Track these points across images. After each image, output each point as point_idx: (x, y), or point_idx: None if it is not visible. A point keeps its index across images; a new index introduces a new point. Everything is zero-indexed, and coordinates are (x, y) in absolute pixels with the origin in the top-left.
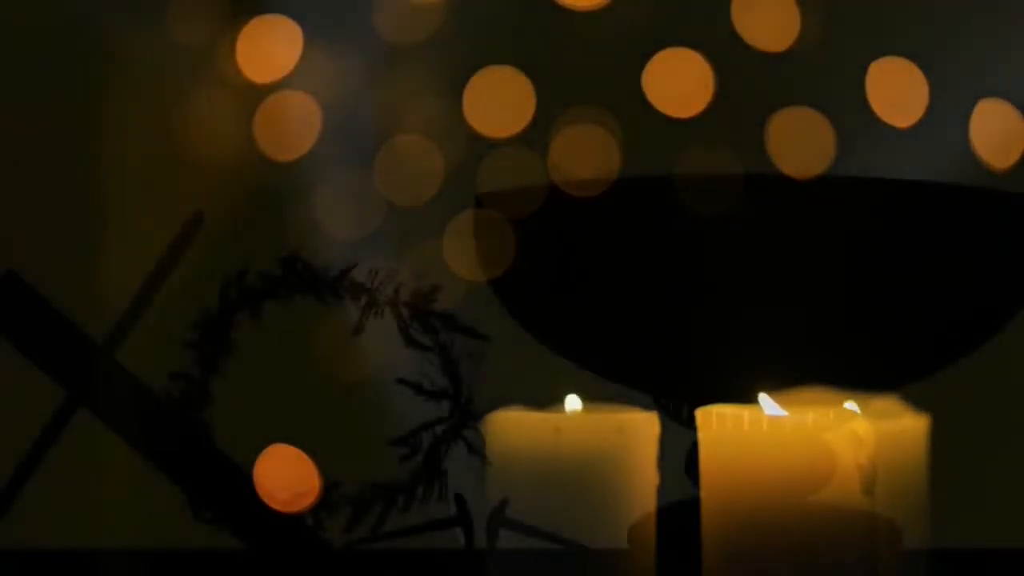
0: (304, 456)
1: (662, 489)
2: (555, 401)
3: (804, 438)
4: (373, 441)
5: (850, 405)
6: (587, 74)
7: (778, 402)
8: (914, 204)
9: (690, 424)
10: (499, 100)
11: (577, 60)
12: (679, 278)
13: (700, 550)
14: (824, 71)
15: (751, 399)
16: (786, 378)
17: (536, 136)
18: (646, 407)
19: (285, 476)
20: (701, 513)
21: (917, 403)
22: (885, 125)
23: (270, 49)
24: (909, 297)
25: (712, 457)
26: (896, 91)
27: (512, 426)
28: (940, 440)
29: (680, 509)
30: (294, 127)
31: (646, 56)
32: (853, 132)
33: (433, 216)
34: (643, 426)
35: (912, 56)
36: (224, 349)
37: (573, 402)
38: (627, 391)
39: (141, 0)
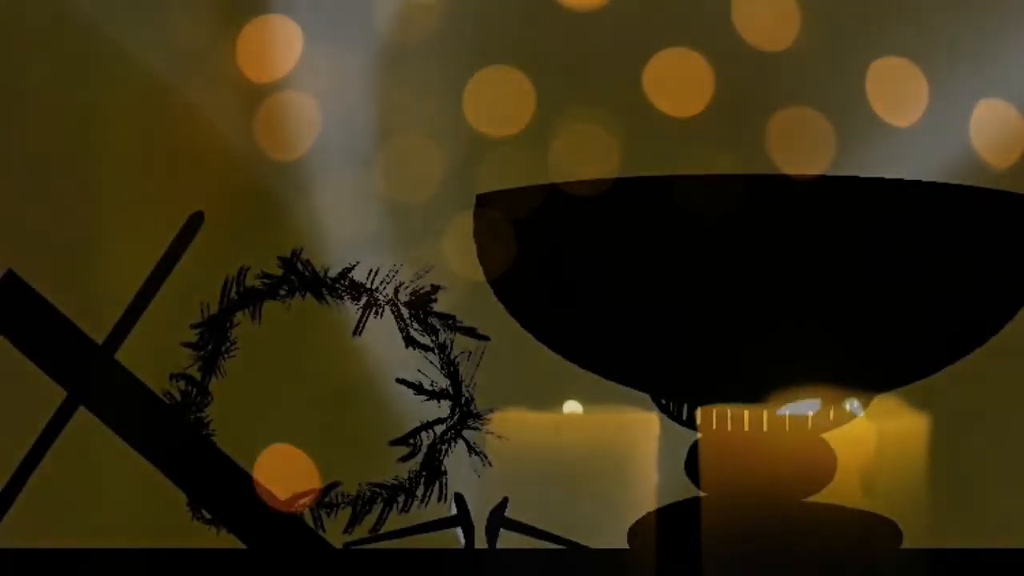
0: (304, 456)
1: (662, 489)
2: (555, 401)
3: (804, 438)
4: (373, 441)
5: (850, 405)
6: (587, 74)
7: (780, 402)
8: (914, 204)
9: (690, 424)
10: (499, 100)
11: (577, 60)
12: (679, 278)
13: (700, 550)
14: (824, 71)
15: (752, 399)
16: (786, 378)
17: (536, 136)
18: (646, 407)
19: (285, 476)
20: (701, 513)
21: (917, 403)
22: (885, 125)
23: (270, 49)
24: (909, 297)
25: (712, 457)
26: (896, 91)
27: (512, 426)
28: (940, 440)
29: (680, 509)
30: (294, 127)
31: (646, 56)
32: (853, 132)
33: (433, 216)
34: (643, 426)
35: (912, 56)
36: (224, 349)
37: (572, 407)
38: (627, 391)
39: (141, 0)
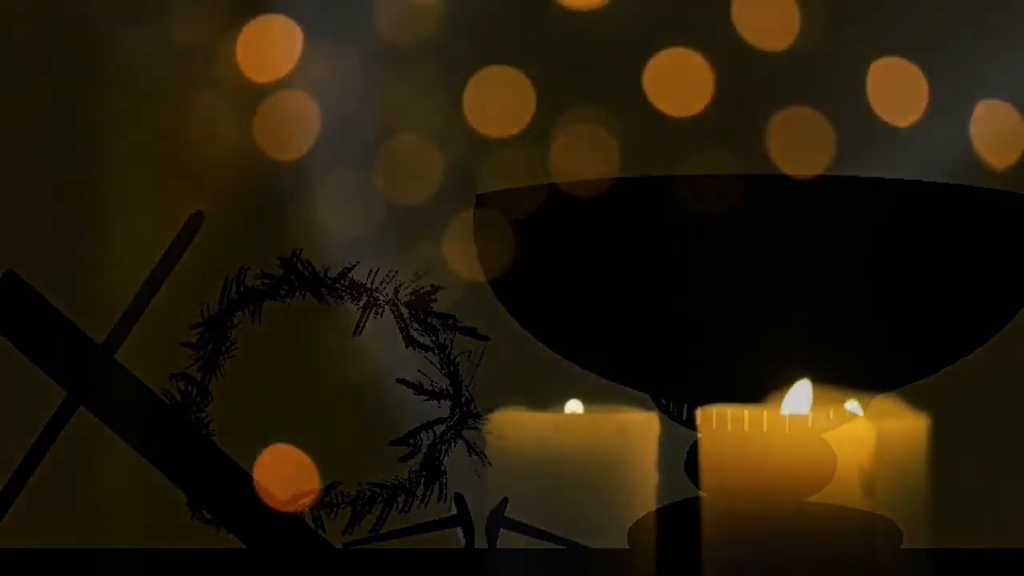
0: (304, 456)
1: (662, 489)
2: (555, 401)
3: (804, 438)
4: (373, 441)
5: (850, 405)
6: (587, 74)
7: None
8: (914, 204)
9: (690, 424)
10: (499, 100)
11: (577, 60)
12: (679, 278)
13: (700, 550)
14: (824, 71)
15: (752, 399)
16: (786, 378)
17: (536, 136)
18: (646, 407)
19: (285, 476)
20: (701, 513)
21: (917, 403)
22: (885, 125)
23: (270, 49)
24: (909, 297)
25: (712, 457)
26: (896, 91)
27: (512, 426)
28: (940, 440)
29: (680, 509)
30: (294, 127)
31: (646, 56)
32: (853, 132)
33: (433, 216)
34: (643, 426)
35: (912, 56)
36: (224, 349)
37: (574, 406)
38: (627, 391)
39: (141, 0)
